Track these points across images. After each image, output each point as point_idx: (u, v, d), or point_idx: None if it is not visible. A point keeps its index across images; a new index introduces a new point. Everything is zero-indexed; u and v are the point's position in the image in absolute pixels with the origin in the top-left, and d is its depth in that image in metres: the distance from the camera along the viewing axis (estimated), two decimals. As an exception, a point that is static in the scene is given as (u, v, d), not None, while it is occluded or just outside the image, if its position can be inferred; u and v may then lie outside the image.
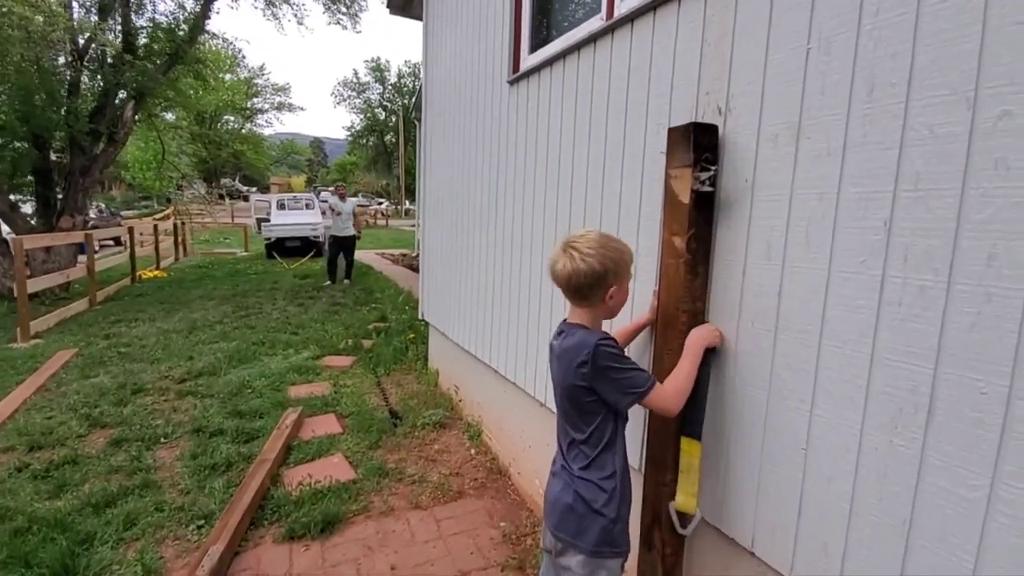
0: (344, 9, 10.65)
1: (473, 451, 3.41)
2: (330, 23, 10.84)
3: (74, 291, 8.92)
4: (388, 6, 5.25)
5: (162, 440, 3.55)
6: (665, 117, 1.74)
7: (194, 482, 3.02)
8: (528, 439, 2.91)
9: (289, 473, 3.08)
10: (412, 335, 5.51)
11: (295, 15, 11.27)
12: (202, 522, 2.66)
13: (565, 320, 1.52)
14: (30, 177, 9.06)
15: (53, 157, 9.17)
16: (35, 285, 7.06)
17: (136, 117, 9.76)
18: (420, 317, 4.88)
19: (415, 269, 12.32)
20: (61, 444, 3.47)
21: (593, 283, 1.40)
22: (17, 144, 8.64)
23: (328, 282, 9.68)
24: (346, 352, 5.47)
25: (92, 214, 18.12)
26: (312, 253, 14.16)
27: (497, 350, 3.19)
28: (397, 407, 4.01)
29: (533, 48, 2.74)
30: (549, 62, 2.48)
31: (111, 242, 16.95)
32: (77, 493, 2.90)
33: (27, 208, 9.57)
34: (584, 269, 1.39)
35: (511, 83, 2.89)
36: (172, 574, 2.33)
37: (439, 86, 4.25)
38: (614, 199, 2.02)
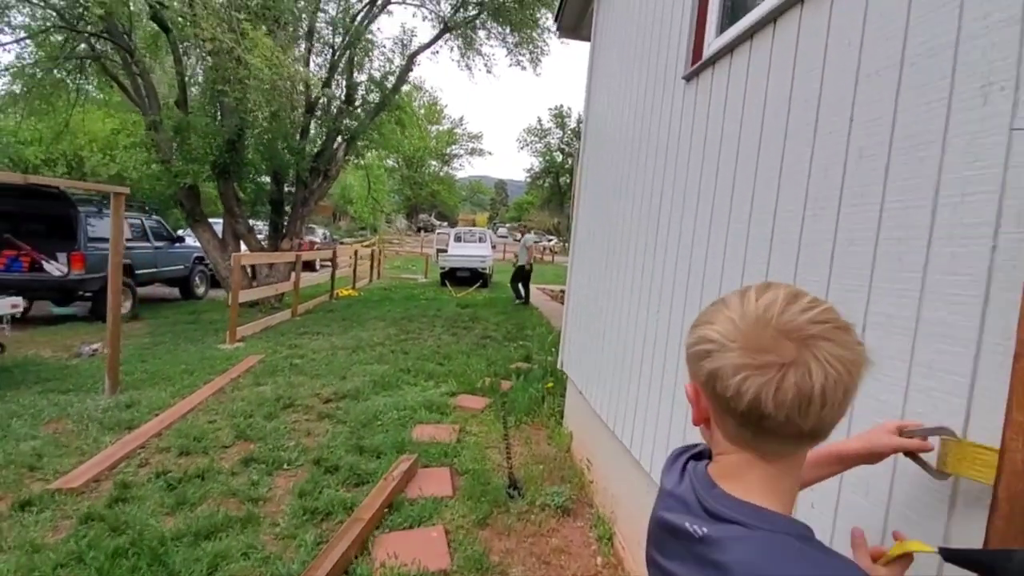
0: (526, 54, 10.86)
1: (600, 561, 2.56)
2: (511, 65, 11.12)
3: (285, 303, 10.16)
4: (558, 29, 4.86)
5: (285, 466, 3.37)
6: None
7: (291, 527, 2.70)
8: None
9: (381, 540, 2.58)
10: (551, 383, 4.83)
11: (484, 64, 11.78)
12: (277, 585, 2.27)
13: (696, 475, 0.68)
14: (268, 206, 10.67)
15: (285, 190, 10.69)
16: (249, 295, 8.06)
17: (346, 156, 10.96)
18: (559, 367, 4.19)
19: (572, 307, 11.73)
20: (204, 453, 3.50)
21: (840, 409, 0.59)
22: (260, 179, 10.22)
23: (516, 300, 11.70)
24: (482, 392, 5.00)
25: (317, 239, 21.37)
26: (479, 284, 14.49)
27: (639, 433, 2.34)
28: (519, 473, 3.33)
29: (722, 28, 1.93)
30: (749, 34, 1.66)
31: (328, 263, 19.57)
32: (190, 514, 2.77)
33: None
34: (836, 381, 0.57)
35: (688, 79, 2.11)
36: (223, 653, 1.93)
37: (599, 112, 3.62)
38: (866, 231, 1.12)
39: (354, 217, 39.95)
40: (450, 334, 7.86)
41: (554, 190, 49.60)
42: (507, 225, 41.03)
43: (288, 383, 5.11)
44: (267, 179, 10.50)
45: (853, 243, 1.16)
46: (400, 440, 3.73)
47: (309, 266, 16.46)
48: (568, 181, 44.52)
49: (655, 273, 2.33)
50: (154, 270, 9.65)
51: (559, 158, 47.98)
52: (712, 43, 1.98)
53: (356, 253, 14.43)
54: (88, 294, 8.19)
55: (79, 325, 7.89)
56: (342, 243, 27.76)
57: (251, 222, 10.39)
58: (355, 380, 5.24)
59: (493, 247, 17.41)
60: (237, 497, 2.95)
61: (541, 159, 48.94)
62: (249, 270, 10.27)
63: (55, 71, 8.90)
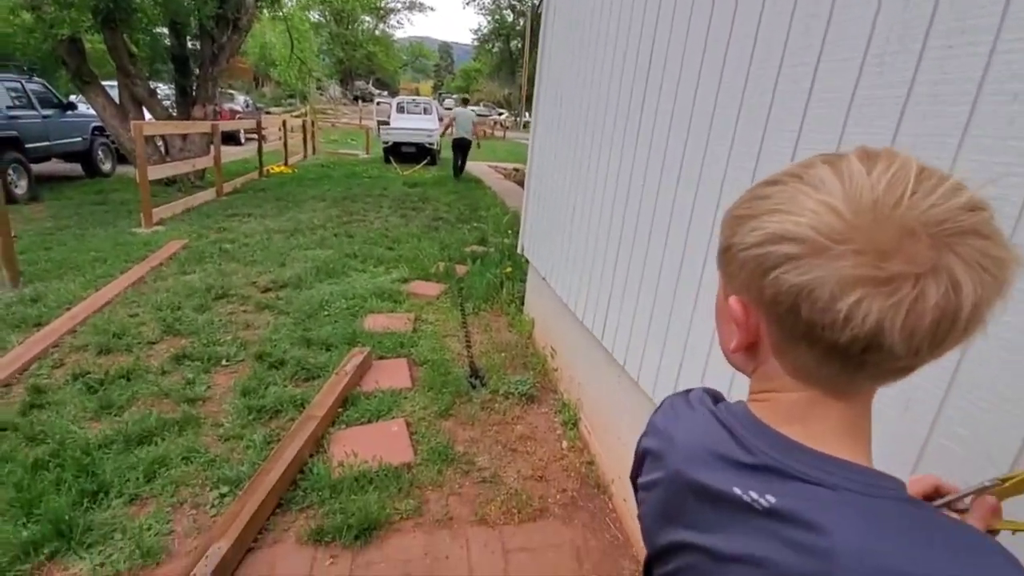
0: None
1: (565, 445, 2.56)
2: None
3: (207, 180, 9.12)
4: None
5: (223, 362, 3.11)
6: None
7: (236, 426, 2.51)
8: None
9: (337, 437, 2.46)
10: (509, 268, 4.65)
11: None
12: (226, 490, 2.12)
13: (738, 417, 0.49)
14: (169, 64, 9.08)
15: (188, 45, 9.07)
16: (162, 172, 7.12)
17: (258, 2, 9.28)
18: (519, 251, 3.97)
19: (526, 187, 11.32)
20: (128, 350, 3.16)
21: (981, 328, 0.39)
22: (156, 31, 8.56)
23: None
24: (436, 278, 4.78)
25: (239, 108, 19.00)
26: (427, 160, 13.60)
27: (613, 326, 2.20)
28: (480, 362, 3.24)
29: None
30: None
31: (254, 136, 17.65)
32: (118, 418, 2.52)
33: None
34: (990, 291, 0.37)
35: None
36: (170, 562, 1.81)
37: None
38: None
39: (279, 82, 35.61)
40: (398, 215, 7.40)
41: (504, 56, 45.75)
42: (454, 96, 37.87)
43: (219, 271, 4.66)
44: (164, 31, 8.82)
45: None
46: (351, 331, 3.51)
47: (232, 139, 14.78)
48: (520, 45, 40.96)
49: (643, 141, 2.02)
50: (47, 143, 8.25)
51: (510, 16, 43.58)
52: None
53: (285, 124, 12.99)
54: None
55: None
56: (268, 112, 24.99)
57: (153, 85, 8.89)
58: (296, 267, 4.85)
59: (440, 119, 16.11)
60: (171, 398, 2.70)
61: (490, 18, 44.28)
62: (160, 143, 9.02)
63: None
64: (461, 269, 4.99)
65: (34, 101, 8.06)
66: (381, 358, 3.25)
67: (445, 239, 6.11)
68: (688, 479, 0.48)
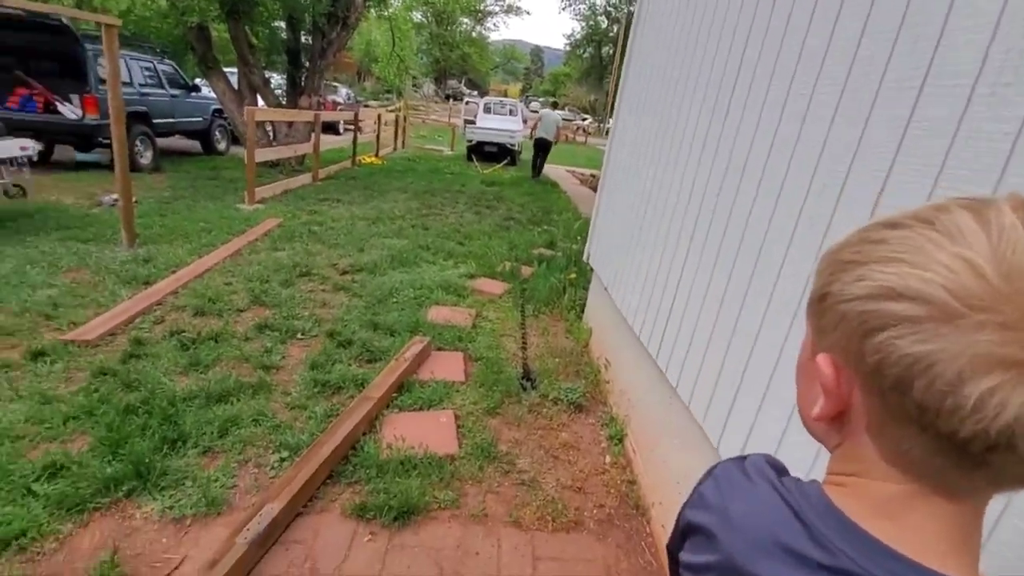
0: None
1: (608, 460, 2.50)
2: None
3: (306, 166, 9.77)
4: None
5: (299, 336, 3.32)
6: None
7: (302, 397, 2.68)
8: (687, 479, 1.89)
9: (390, 420, 2.55)
10: (574, 274, 4.60)
11: None
12: (286, 455, 2.27)
13: (812, 504, 0.40)
14: (284, 56, 9.80)
15: (302, 39, 9.74)
16: (267, 155, 7.72)
17: (367, 1, 9.79)
18: (586, 259, 3.92)
19: (602, 194, 11.16)
20: (219, 315, 3.46)
21: None
22: (274, 24, 9.27)
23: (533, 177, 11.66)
24: (502, 277, 4.82)
25: (340, 99, 20.18)
26: (507, 160, 13.77)
27: (669, 347, 2.12)
28: (534, 364, 3.23)
29: None
30: None
31: (351, 127, 18.68)
32: (203, 375, 2.76)
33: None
34: None
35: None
36: (229, 513, 1.96)
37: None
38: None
39: (379, 78, 37.47)
40: (473, 212, 7.55)
41: (595, 61, 45.28)
42: (540, 99, 38.05)
43: (306, 250, 4.98)
44: (281, 25, 9.53)
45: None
46: (415, 320, 3.63)
47: (332, 128, 15.71)
48: (611, 52, 40.44)
49: (735, 161, 1.93)
50: (172, 120, 9.21)
51: (604, 23, 43.06)
52: None
53: (380, 118, 13.63)
54: (107, 140, 7.90)
55: (103, 173, 7.72)
56: (366, 106, 26.32)
57: (267, 74, 9.63)
58: (373, 253, 5.08)
59: (524, 122, 16.24)
60: (250, 363, 2.93)
61: (584, 24, 43.98)
62: (269, 128, 9.77)
63: None
64: (526, 270, 5.01)
65: (163, 81, 8.99)
66: (439, 349, 3.33)
67: (515, 239, 6.16)
68: (746, 572, 0.40)
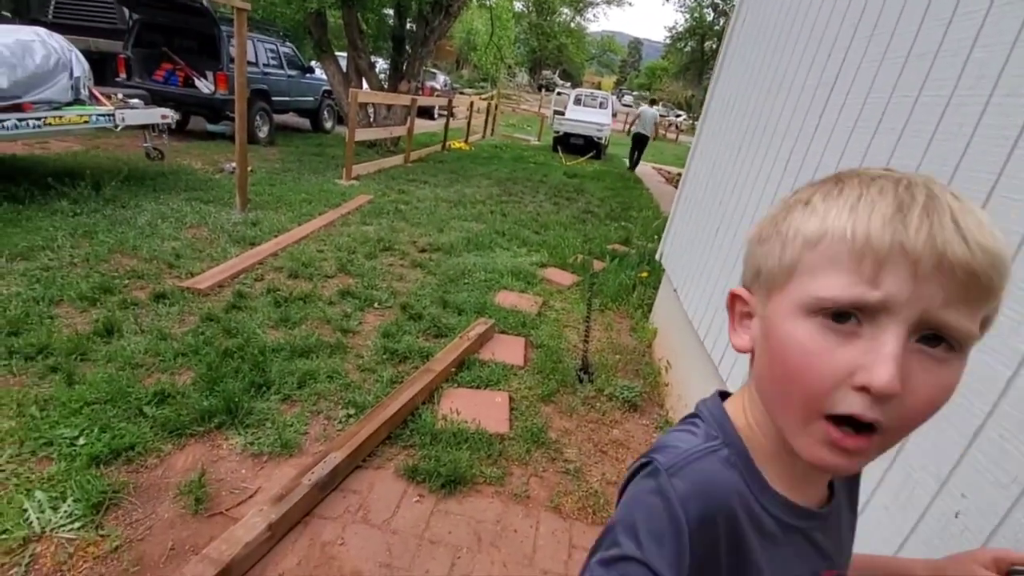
0: None
1: (656, 462, 2.45)
2: None
3: (400, 147, 10.21)
4: None
5: (375, 305, 3.52)
6: None
7: (372, 361, 2.85)
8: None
9: (448, 394, 2.65)
10: (646, 273, 4.48)
11: None
12: (353, 412, 2.43)
13: None
14: (389, 42, 10.25)
15: (407, 27, 10.12)
16: (366, 135, 8.14)
17: (469, -9, 9.96)
18: (657, 257, 3.80)
19: (687, 194, 10.69)
20: (309, 279, 3.74)
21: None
22: (383, 11, 9.68)
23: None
24: (572, 268, 4.80)
25: (438, 85, 20.78)
26: (592, 153, 13.56)
27: (734, 359, 2.02)
28: (593, 358, 3.21)
29: None
30: None
31: (445, 112, 19.20)
32: (291, 331, 3.01)
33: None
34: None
35: None
36: (299, 456, 2.14)
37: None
38: None
39: (476, 66, 38.12)
40: (552, 203, 7.54)
41: (695, 56, 43.11)
42: (634, 93, 36.89)
43: (391, 227, 5.23)
44: (390, 11, 9.94)
45: None
46: (483, 302, 3.72)
47: (427, 113, 16.25)
48: (715, 46, 38.28)
49: (815, 162, 1.79)
50: (288, 99, 9.94)
51: (709, 16, 40.76)
52: None
53: (472, 105, 13.89)
54: (233, 114, 8.71)
55: (227, 143, 8.52)
56: (462, 93, 26.90)
57: (373, 59, 10.11)
58: (451, 234, 5.24)
59: (614, 115, 15.87)
60: (331, 325, 3.15)
61: (688, 15, 41.89)
62: (371, 110, 10.28)
63: None
64: (598, 264, 4.95)
65: (284, 62, 9.69)
66: (503, 332, 3.39)
67: (590, 232, 6.09)
68: None
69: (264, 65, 9.15)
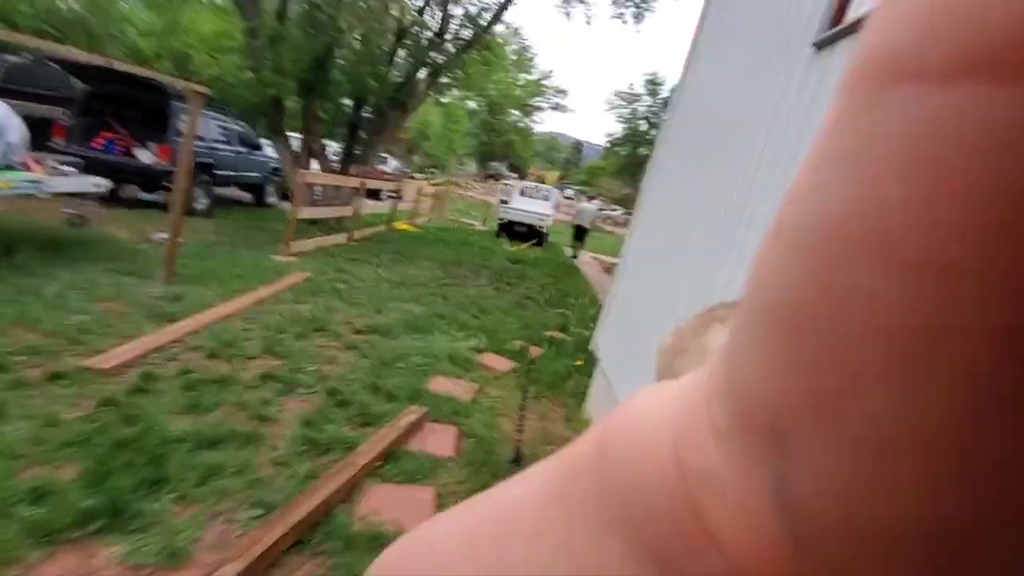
0: (631, 7, 10.02)
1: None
2: (612, 17, 10.36)
3: (344, 225, 10.23)
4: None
5: (300, 390, 3.33)
6: None
7: (289, 454, 2.63)
8: None
9: (370, 491, 2.47)
10: (581, 361, 4.55)
11: (585, 13, 11.01)
12: (260, 512, 2.20)
13: None
14: (344, 129, 10.63)
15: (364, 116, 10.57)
16: (311, 213, 8.15)
17: (428, 91, 10.67)
18: (592, 348, 3.89)
19: (622, 284, 11.26)
20: (229, 360, 3.51)
21: None
22: (341, 102, 10.12)
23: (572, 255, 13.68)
24: (510, 355, 4.80)
25: (388, 169, 21.44)
26: (535, 241, 14.15)
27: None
28: (527, 449, 3.13)
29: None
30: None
31: (394, 195, 19.67)
32: (200, 419, 2.76)
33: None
34: None
35: (819, 46, 1.65)
36: (188, 569, 1.88)
37: (696, 81, 3.11)
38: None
39: (428, 154, 39.95)
40: (493, 288, 7.68)
41: (631, 160, 47.50)
42: (575, 188, 39.87)
43: (327, 306, 5.10)
44: (348, 102, 10.40)
45: None
46: (417, 388, 3.61)
47: (375, 195, 16.56)
48: (647, 153, 42.47)
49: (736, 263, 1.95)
50: (233, 173, 9.89)
51: (643, 127, 45.61)
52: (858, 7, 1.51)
53: (420, 190, 14.36)
54: (171, 185, 8.50)
55: (159, 213, 8.22)
56: (412, 178, 27.85)
57: (325, 142, 10.39)
58: (390, 316, 5.17)
59: (556, 207, 16.86)
60: (247, 411, 2.92)
61: (626, 125, 46.68)
62: (318, 190, 10.37)
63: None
64: (535, 351, 4.99)
65: (232, 138, 9.76)
66: (435, 420, 3.27)
67: (529, 319, 6.20)
68: None
69: (212, 140, 9.15)
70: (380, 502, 2.37)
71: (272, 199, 11.45)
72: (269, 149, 10.58)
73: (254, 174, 10.65)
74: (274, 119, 9.29)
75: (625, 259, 3.72)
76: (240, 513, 2.19)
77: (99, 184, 5.58)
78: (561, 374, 4.34)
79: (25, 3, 11.34)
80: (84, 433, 2.39)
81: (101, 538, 1.91)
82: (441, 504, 2.48)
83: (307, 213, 7.80)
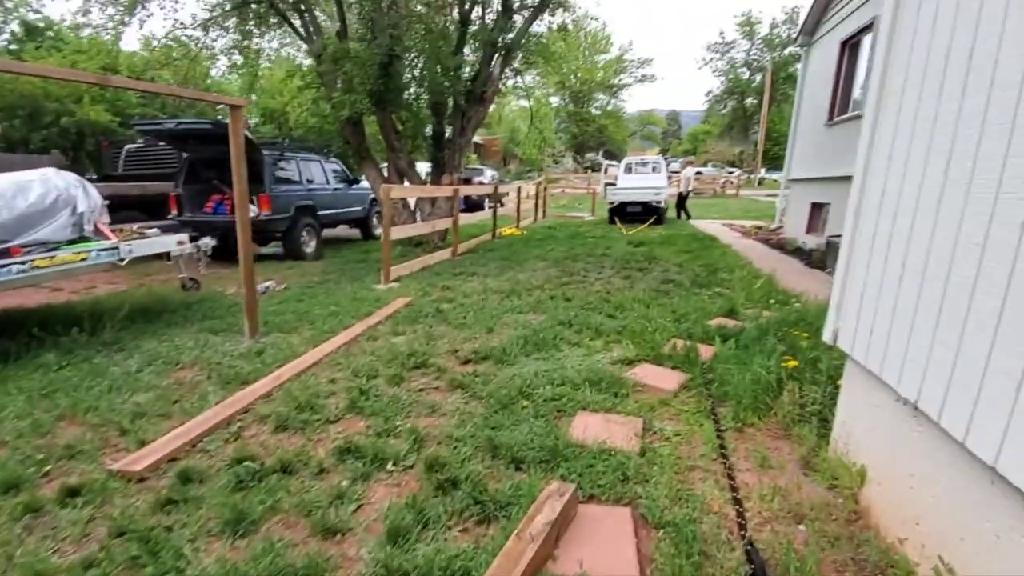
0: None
1: None
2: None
3: (449, 241, 9.50)
4: None
5: (388, 466, 2.26)
6: None
7: (363, 603, 1.54)
8: None
9: None
10: (794, 361, 2.95)
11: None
12: None
13: None
14: (428, 140, 9.93)
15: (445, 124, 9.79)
16: (404, 232, 7.45)
17: (502, 73, 9.55)
18: (830, 340, 2.31)
19: (775, 246, 9.04)
20: (302, 430, 2.58)
21: None
22: (417, 111, 9.42)
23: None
24: (672, 361, 3.36)
25: (485, 180, 20.89)
26: (652, 220, 12.32)
27: None
28: (762, 542, 1.70)
29: None
30: None
31: (495, 201, 18.96)
32: (240, 545, 1.79)
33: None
34: None
35: None
36: None
37: None
38: None
39: (523, 159, 39.29)
40: (622, 277, 6.23)
41: (737, 114, 42.43)
42: (680, 160, 36.22)
43: (427, 334, 4.11)
44: (426, 111, 9.69)
45: None
46: (552, 440, 2.36)
47: (478, 206, 15.90)
48: (756, 101, 37.38)
49: None
50: (335, 211, 9.70)
51: (745, 74, 40.44)
52: None
53: (520, 190, 13.34)
54: (278, 234, 8.43)
55: (275, 264, 8.13)
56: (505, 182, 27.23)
57: (414, 160, 9.78)
58: (503, 334, 4.03)
59: (669, 178, 14.77)
60: (309, 519, 1.91)
61: (724, 78, 41.87)
62: (416, 209, 9.80)
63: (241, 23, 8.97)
64: (706, 350, 3.49)
65: (328, 176, 9.57)
66: (591, 499, 1.99)
67: (680, 307, 4.67)
68: None
69: (309, 181, 8.99)
70: None
71: (378, 230, 11.20)
72: (365, 183, 10.30)
73: (355, 208, 10.44)
74: (357, 143, 8.85)
75: (867, 178, 2.12)
76: None
77: (184, 242, 5.25)
78: (764, 382, 2.79)
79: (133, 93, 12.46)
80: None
81: None
82: None
83: (398, 232, 7.06)
